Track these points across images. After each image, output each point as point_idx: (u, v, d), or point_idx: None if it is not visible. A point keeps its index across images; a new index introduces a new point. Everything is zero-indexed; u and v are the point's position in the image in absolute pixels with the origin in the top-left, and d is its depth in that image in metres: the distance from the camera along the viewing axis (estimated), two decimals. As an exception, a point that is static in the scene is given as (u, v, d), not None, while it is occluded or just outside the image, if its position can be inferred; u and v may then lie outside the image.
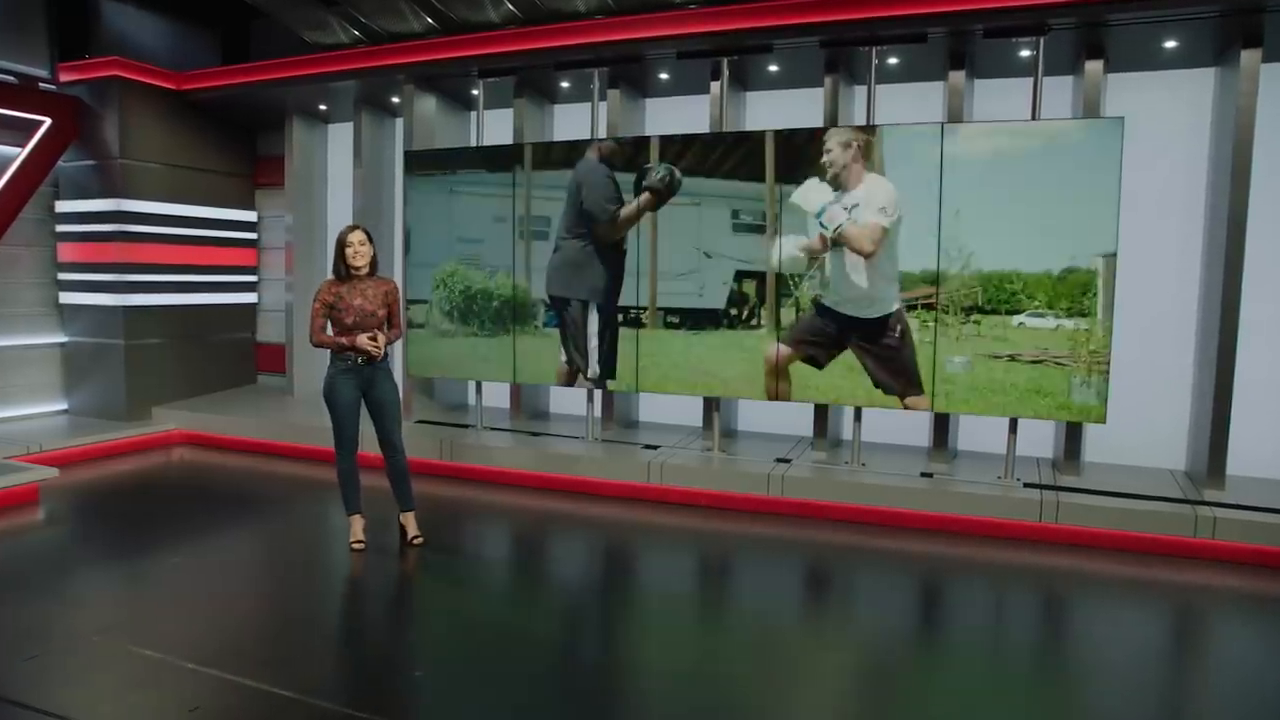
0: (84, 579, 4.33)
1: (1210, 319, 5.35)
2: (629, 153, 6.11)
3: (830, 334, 5.67)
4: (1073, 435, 5.59)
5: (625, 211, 6.15)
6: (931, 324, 5.38)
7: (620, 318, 6.21)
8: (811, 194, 5.70)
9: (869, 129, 5.51)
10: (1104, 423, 5.14)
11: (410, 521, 4.93)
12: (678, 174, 5.97)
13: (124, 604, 4.02)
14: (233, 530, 5.29)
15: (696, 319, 6.03)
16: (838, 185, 5.55)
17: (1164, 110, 5.69)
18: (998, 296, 5.22)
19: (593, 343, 6.35)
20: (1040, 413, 5.23)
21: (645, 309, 6.15)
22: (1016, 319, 5.19)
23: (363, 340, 4.49)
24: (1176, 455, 5.80)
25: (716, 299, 5.97)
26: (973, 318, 5.28)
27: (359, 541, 4.78)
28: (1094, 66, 5.35)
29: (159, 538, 5.08)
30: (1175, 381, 5.76)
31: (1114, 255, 5.01)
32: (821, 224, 5.63)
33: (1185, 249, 5.70)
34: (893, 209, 5.46)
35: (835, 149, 5.56)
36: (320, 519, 5.50)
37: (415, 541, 4.87)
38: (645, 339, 6.18)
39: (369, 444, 4.87)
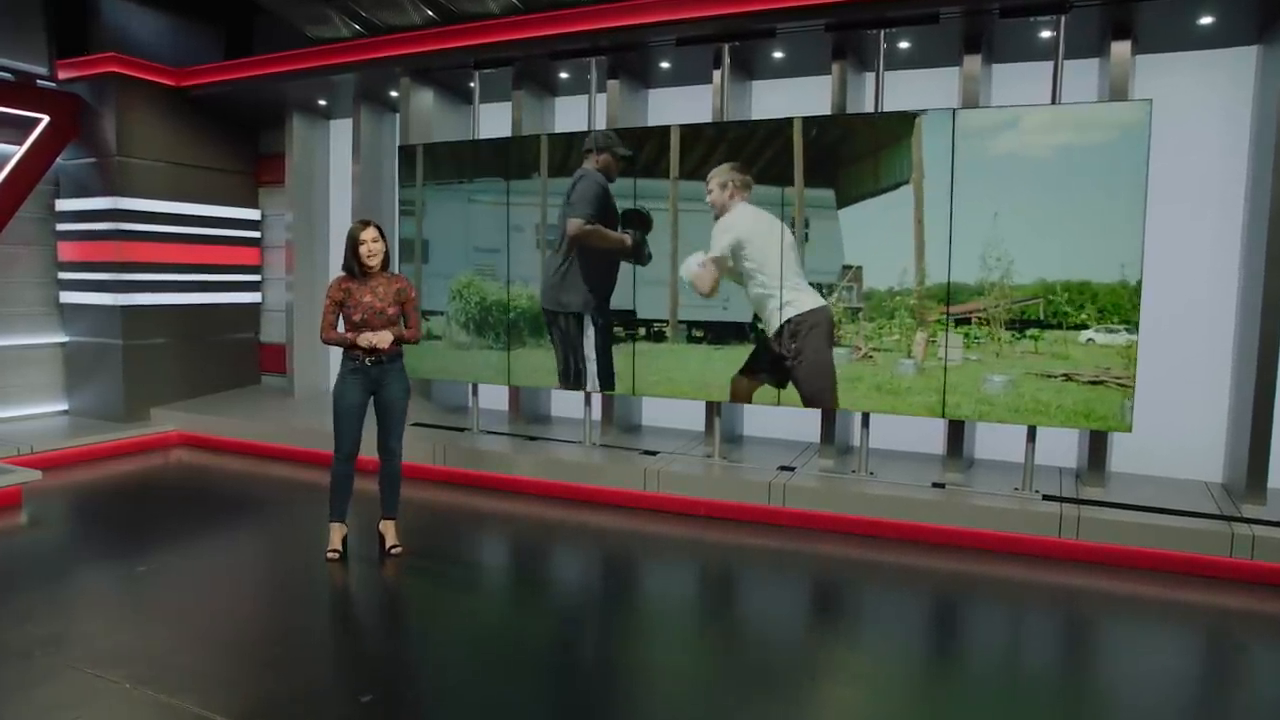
0: (44, 587, 4.16)
1: (1249, 317, 4.94)
2: (627, 163, 5.85)
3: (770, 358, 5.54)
4: (1097, 444, 5.20)
5: (600, 231, 5.93)
6: (982, 340, 4.94)
7: (643, 331, 5.90)
8: (690, 267, 5.73)
9: (742, 168, 5.43)
10: (1129, 431, 4.76)
11: (390, 530, 4.72)
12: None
13: (76, 615, 3.83)
14: (210, 536, 5.11)
15: (721, 333, 5.68)
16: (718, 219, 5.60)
17: (1199, 94, 5.29)
18: (1060, 309, 4.78)
19: (590, 354, 6.10)
20: (1075, 425, 4.85)
21: (666, 322, 5.84)
22: (1085, 334, 4.73)
23: (365, 337, 4.32)
24: (1212, 466, 5.38)
25: (743, 311, 5.60)
26: (1029, 332, 4.84)
27: (334, 550, 4.58)
28: (1120, 48, 4.97)
29: (133, 543, 4.92)
30: (1211, 385, 5.34)
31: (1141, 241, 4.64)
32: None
33: (1222, 242, 5.28)
34: (720, 238, 5.54)
35: (714, 189, 5.55)
36: (304, 526, 5.29)
37: (394, 551, 4.66)
38: (655, 354, 5.87)
39: (370, 449, 4.67)
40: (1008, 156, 4.81)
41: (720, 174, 5.52)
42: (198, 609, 3.96)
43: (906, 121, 5.02)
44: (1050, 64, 5.06)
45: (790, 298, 5.39)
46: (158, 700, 3.02)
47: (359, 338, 4.36)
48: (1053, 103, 4.96)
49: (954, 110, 4.94)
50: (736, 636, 3.91)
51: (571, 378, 6.19)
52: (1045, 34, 5.13)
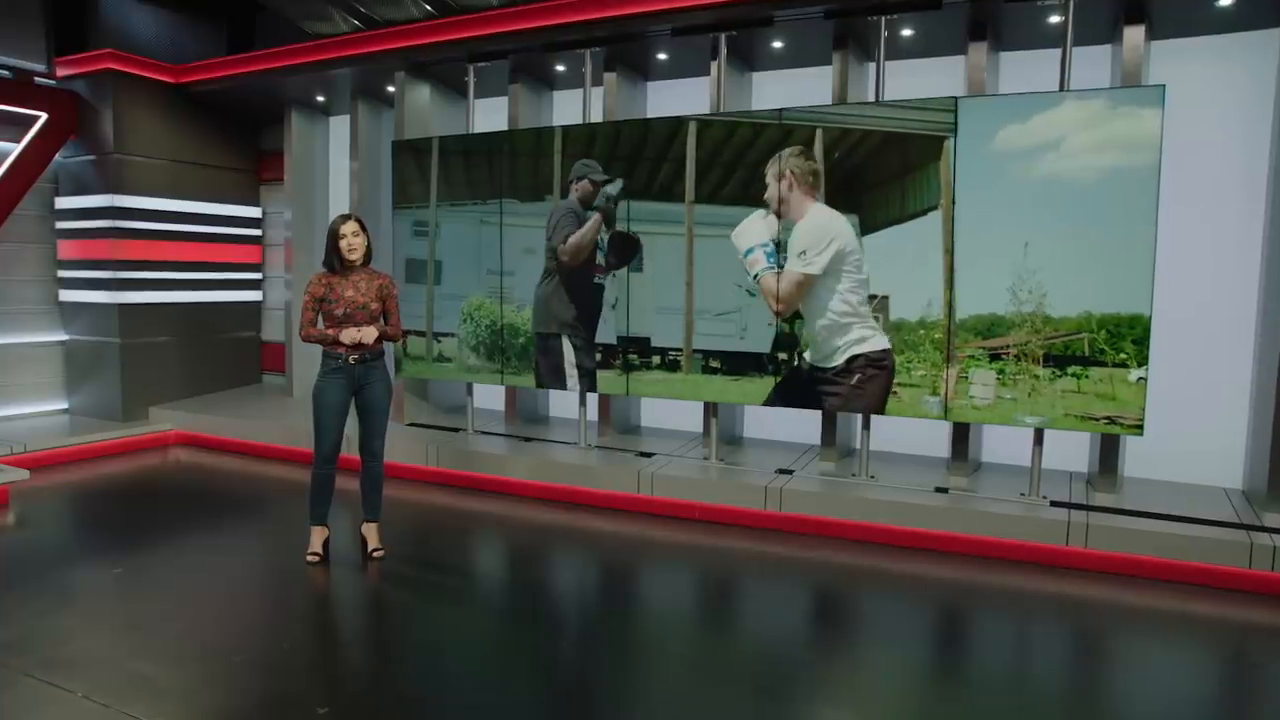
0: (19, 588, 4.06)
1: (1273, 315, 4.70)
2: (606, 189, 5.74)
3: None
4: (1109, 448, 4.96)
5: (574, 239, 5.80)
6: (1017, 378, 4.67)
7: (659, 359, 5.70)
8: (748, 231, 5.24)
9: (807, 154, 5.00)
10: (1140, 434, 4.52)
11: (372, 533, 4.60)
12: (619, 192, 5.64)
13: (43, 618, 3.73)
14: (195, 538, 5.01)
15: (738, 363, 5.43)
16: (781, 218, 5.14)
17: (1219, 81, 5.03)
18: (1097, 345, 4.49)
19: (570, 377, 6.00)
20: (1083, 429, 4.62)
21: (681, 350, 5.62)
22: (1135, 373, 4.44)
23: (349, 333, 4.20)
24: (1231, 471, 5.13)
25: (761, 341, 5.35)
26: (1070, 369, 4.55)
27: (315, 554, 4.47)
28: (1133, 33, 4.73)
29: (117, 544, 4.84)
30: (1231, 385, 5.08)
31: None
32: (745, 270, 5.27)
33: (1242, 236, 5.03)
34: (819, 248, 4.97)
35: (770, 180, 5.11)
36: (292, 528, 5.14)
37: (375, 554, 4.53)
38: (668, 384, 5.68)
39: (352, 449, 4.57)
40: (1037, 179, 4.56)
41: (775, 163, 5.08)
42: (168, 613, 3.85)
43: (934, 143, 4.76)
44: (1060, 51, 4.83)
45: (865, 334, 4.96)
46: (106, 710, 2.90)
47: (343, 334, 4.24)
48: (1060, 90, 4.73)
49: (956, 99, 4.73)
50: (725, 649, 3.73)
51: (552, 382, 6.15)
52: (1053, 19, 4.91)
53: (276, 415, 7.44)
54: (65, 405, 7.87)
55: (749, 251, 5.23)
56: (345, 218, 4.36)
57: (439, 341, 6.52)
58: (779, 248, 5.15)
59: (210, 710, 2.97)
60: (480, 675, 3.34)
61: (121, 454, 7.04)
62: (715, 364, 5.51)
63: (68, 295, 7.73)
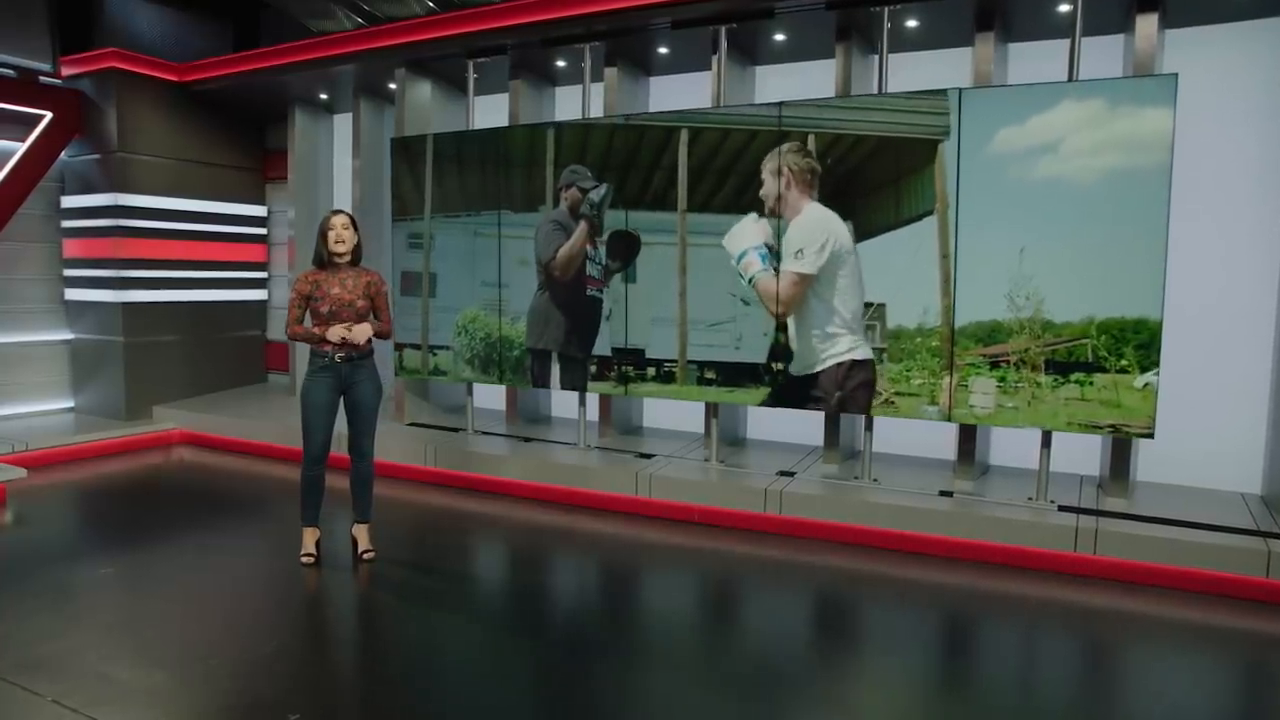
0: (9, 588, 4.03)
1: (1290, 315, 4.53)
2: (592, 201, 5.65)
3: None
4: (1120, 451, 4.80)
5: (563, 251, 5.70)
6: (1021, 385, 4.52)
7: (654, 371, 5.59)
8: (740, 234, 5.12)
9: (806, 151, 4.87)
10: (1151, 436, 4.36)
11: (363, 535, 4.54)
12: (602, 199, 5.53)
13: (25, 618, 3.69)
14: (189, 537, 4.96)
15: (733, 374, 5.32)
16: (776, 217, 5.02)
17: (1236, 71, 4.86)
18: (1099, 352, 4.35)
19: (556, 393, 5.89)
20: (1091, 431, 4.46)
21: (675, 362, 5.51)
22: (1142, 379, 4.28)
23: (335, 331, 4.12)
24: (1250, 475, 4.94)
25: (756, 352, 5.24)
26: (1073, 376, 4.39)
27: (309, 555, 4.41)
28: (1146, 21, 4.57)
29: (110, 544, 4.82)
30: (1249, 384, 4.91)
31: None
32: (739, 274, 5.13)
33: (1258, 229, 4.85)
34: (814, 246, 4.85)
35: (767, 177, 4.99)
36: (288, 528, 5.08)
37: (366, 556, 4.47)
38: (662, 396, 5.61)
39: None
40: (1041, 177, 4.41)
41: (773, 159, 4.97)
42: (156, 614, 3.80)
43: (928, 147, 4.62)
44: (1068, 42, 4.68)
45: (855, 343, 4.88)
46: (73, 715, 2.84)
47: (329, 332, 4.17)
48: (1069, 80, 4.57)
49: (960, 90, 4.59)
50: (722, 654, 3.62)
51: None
52: (1063, 7, 4.75)
53: (280, 415, 7.41)
54: (70, 404, 7.88)
55: (742, 255, 5.13)
56: (336, 212, 4.33)
57: (435, 355, 6.46)
58: (775, 249, 5.04)
59: (177, 715, 2.90)
60: (467, 681, 3.25)
61: (124, 453, 7.03)
62: (710, 375, 5.40)
63: (73, 294, 7.74)
